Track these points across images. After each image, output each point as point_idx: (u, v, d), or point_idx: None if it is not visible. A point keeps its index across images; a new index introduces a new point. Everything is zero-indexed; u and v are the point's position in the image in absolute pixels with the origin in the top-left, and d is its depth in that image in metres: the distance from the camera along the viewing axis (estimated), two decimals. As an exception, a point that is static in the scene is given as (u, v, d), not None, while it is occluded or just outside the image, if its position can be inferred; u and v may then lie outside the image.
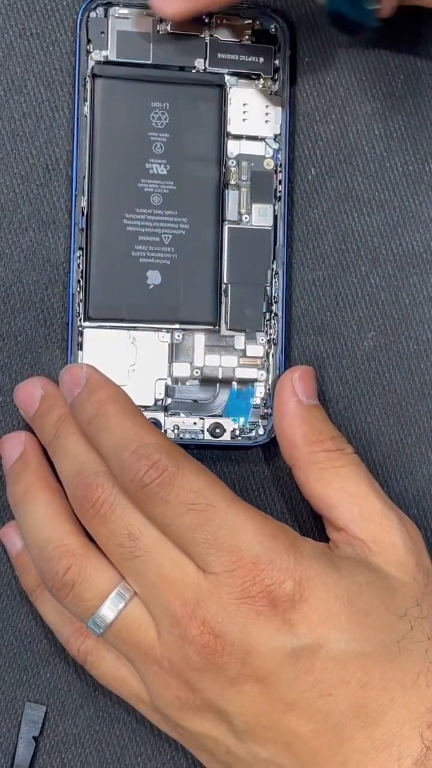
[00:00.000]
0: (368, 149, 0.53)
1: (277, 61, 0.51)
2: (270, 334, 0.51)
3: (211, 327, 0.51)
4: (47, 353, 0.50)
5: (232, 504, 0.45)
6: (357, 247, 0.53)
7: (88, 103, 0.50)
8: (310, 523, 0.52)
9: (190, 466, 0.45)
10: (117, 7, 0.50)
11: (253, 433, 0.51)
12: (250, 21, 0.51)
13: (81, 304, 0.50)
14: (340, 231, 0.53)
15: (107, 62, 0.50)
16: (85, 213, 0.50)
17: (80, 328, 0.50)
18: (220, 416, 0.51)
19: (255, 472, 0.52)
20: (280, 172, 0.51)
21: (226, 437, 0.51)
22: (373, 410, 0.53)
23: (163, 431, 0.50)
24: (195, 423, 0.50)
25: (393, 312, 0.53)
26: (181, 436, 0.50)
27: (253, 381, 0.51)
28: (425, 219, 0.53)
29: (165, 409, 0.50)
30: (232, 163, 0.51)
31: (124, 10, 0.50)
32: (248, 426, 0.51)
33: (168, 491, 0.44)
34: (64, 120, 0.51)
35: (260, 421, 0.51)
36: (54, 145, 0.51)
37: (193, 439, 0.50)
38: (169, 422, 0.50)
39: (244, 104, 0.51)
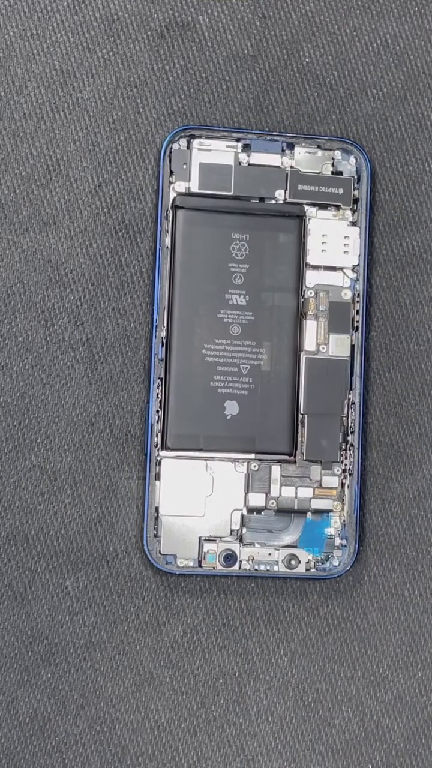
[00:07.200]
0: (368, 149, 0.53)
1: (356, 192, 0.51)
2: (345, 465, 0.51)
3: (287, 457, 0.51)
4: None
5: None
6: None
7: (169, 234, 0.50)
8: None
9: None
10: (200, 140, 0.50)
11: (327, 564, 0.51)
12: (329, 152, 0.51)
13: (159, 434, 0.50)
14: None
15: (189, 194, 0.50)
16: (165, 343, 0.50)
17: (158, 458, 0.50)
18: (295, 547, 0.51)
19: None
20: (357, 302, 0.51)
21: (301, 568, 0.51)
22: (373, 410, 0.53)
23: (238, 562, 0.50)
24: (270, 554, 0.50)
25: (393, 312, 0.53)
26: (256, 567, 0.50)
27: (328, 511, 0.51)
28: (425, 219, 0.53)
29: (240, 539, 0.50)
30: (311, 293, 0.51)
31: (207, 142, 0.50)
32: (322, 557, 0.51)
33: None
34: (64, 120, 0.51)
35: (334, 552, 0.51)
36: (54, 146, 0.51)
37: (268, 570, 0.50)
38: (244, 552, 0.50)
39: (323, 234, 0.51)
